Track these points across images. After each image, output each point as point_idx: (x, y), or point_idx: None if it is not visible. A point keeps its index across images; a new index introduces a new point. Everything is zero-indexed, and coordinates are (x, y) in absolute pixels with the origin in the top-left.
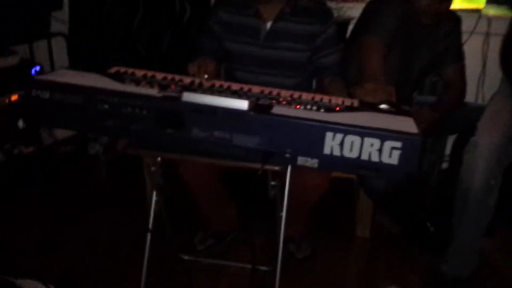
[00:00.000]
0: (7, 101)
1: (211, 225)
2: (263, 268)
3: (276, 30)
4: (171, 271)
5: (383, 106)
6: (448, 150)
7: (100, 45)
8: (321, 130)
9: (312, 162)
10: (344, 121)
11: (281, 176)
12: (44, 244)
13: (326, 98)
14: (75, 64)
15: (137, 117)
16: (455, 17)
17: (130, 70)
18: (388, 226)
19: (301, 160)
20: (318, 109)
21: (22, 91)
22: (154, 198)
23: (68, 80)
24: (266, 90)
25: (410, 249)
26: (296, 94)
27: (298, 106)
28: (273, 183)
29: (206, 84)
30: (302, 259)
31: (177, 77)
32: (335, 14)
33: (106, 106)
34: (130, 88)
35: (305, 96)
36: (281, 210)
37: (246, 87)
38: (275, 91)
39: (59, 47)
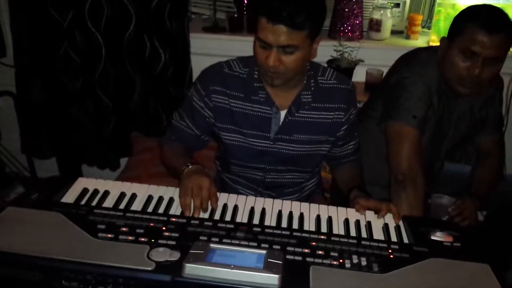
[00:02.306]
0: None
1: None
2: None
3: (293, 121)
4: None
5: (441, 237)
6: None
7: (55, 101)
8: None
9: None
10: None
11: None
12: None
13: (362, 222)
14: (26, 129)
15: None
16: (498, 80)
17: (100, 191)
18: None
19: None
20: (369, 266)
21: None
22: None
23: (16, 242)
24: (284, 215)
25: None
26: (323, 217)
27: (341, 262)
28: None
29: (205, 216)
30: None
31: (165, 196)
32: (338, 57)
33: (75, 284)
34: (107, 250)
35: (335, 225)
36: None
37: (257, 213)
38: (295, 216)
39: (6, 106)
